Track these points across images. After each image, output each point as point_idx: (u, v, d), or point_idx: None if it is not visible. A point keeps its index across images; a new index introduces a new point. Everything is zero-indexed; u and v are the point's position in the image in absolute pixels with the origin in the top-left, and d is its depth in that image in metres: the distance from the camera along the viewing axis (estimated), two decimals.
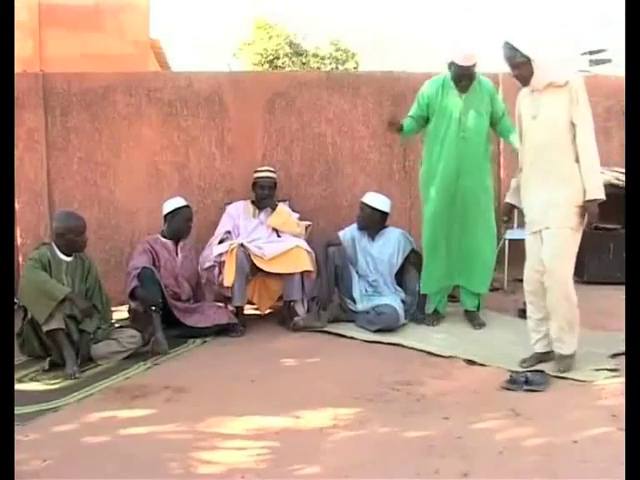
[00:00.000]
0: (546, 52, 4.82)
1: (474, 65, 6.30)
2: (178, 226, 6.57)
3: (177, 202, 6.66)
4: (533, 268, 5.07)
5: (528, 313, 5.26)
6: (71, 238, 5.68)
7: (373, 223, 6.72)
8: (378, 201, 6.72)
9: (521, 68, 4.87)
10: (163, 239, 6.57)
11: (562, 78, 4.82)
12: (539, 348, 5.16)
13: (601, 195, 4.86)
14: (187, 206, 6.65)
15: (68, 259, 5.72)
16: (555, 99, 4.86)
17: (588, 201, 4.84)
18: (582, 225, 4.94)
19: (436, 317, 6.59)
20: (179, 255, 6.60)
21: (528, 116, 5.03)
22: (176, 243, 6.60)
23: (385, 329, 6.22)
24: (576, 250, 4.99)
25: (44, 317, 5.34)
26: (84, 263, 5.83)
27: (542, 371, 4.95)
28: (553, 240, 4.90)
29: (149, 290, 6.13)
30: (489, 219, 6.49)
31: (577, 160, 4.86)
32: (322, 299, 6.54)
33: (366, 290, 6.69)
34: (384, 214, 6.72)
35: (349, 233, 6.81)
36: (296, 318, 6.51)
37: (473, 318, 6.54)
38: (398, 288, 6.70)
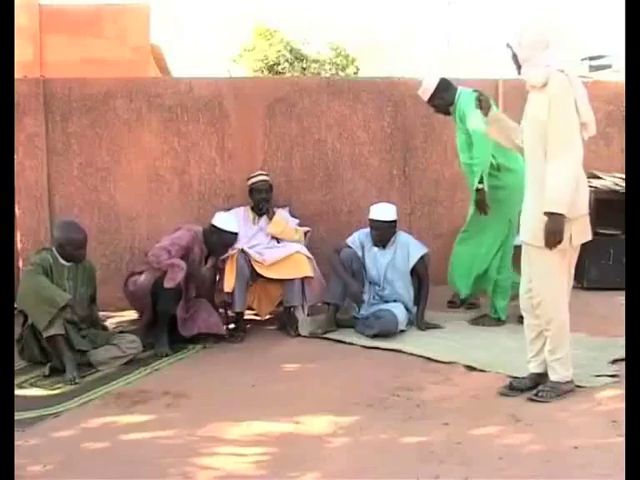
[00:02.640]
0: (529, 48, 4.58)
1: (432, 98, 6.56)
2: (214, 247, 6.40)
3: (229, 223, 6.45)
4: (523, 282, 4.87)
5: (524, 328, 5.02)
6: (69, 251, 5.69)
7: (389, 235, 6.62)
8: (386, 212, 6.60)
9: (513, 56, 4.72)
10: (204, 246, 6.44)
11: (537, 79, 4.57)
12: (532, 368, 4.93)
13: (557, 209, 4.41)
14: (234, 233, 6.46)
15: (69, 264, 5.73)
16: (537, 101, 4.62)
17: (545, 213, 4.47)
18: (563, 245, 4.54)
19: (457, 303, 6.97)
20: (207, 263, 6.48)
21: (524, 115, 4.82)
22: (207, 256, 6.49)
23: (382, 334, 6.21)
24: (563, 270, 4.68)
25: (44, 323, 5.34)
26: (85, 268, 5.86)
27: (546, 376, 4.90)
28: (529, 259, 4.74)
29: (169, 301, 6.08)
30: (497, 233, 6.59)
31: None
32: (356, 297, 6.54)
33: (374, 298, 6.66)
34: (395, 221, 6.67)
35: (357, 239, 6.70)
36: (307, 318, 6.61)
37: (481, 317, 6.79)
38: (410, 291, 6.65)
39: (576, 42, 21.76)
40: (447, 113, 6.65)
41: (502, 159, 6.27)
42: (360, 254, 6.66)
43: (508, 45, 4.71)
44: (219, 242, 6.40)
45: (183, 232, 6.30)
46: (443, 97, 6.52)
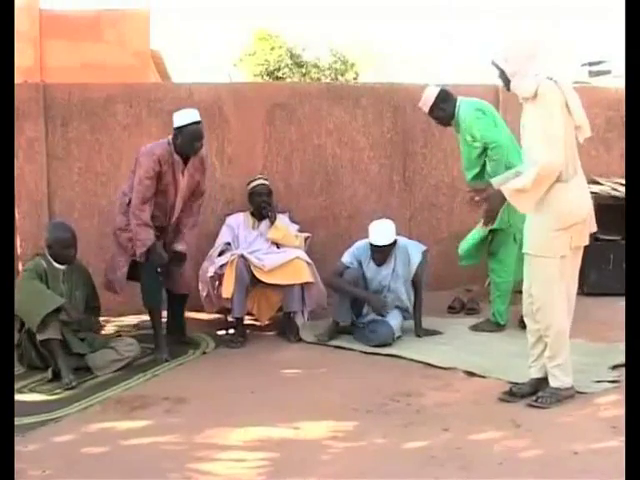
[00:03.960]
0: (516, 60, 4.62)
1: (433, 109, 6.60)
2: (184, 145, 6.07)
3: (186, 116, 6.08)
4: (524, 289, 4.89)
5: (527, 333, 5.03)
6: (57, 250, 5.72)
7: (389, 253, 6.47)
8: (387, 236, 6.38)
9: (500, 74, 4.76)
10: (175, 155, 6.12)
11: (528, 90, 4.60)
12: (533, 373, 4.94)
13: (502, 189, 4.69)
14: (197, 122, 6.08)
15: (63, 267, 5.75)
16: (530, 112, 4.67)
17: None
18: (563, 251, 4.63)
19: None
20: (185, 176, 6.21)
21: (521, 126, 4.83)
22: (185, 162, 6.20)
23: (381, 345, 6.20)
24: (564, 277, 4.69)
25: (36, 325, 5.35)
26: (80, 271, 5.89)
27: (546, 382, 4.89)
28: (530, 267, 4.76)
29: (154, 295, 6.15)
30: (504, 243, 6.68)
31: (556, 180, 4.58)
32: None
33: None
34: (395, 240, 6.49)
35: (354, 258, 6.52)
36: (308, 323, 6.65)
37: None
38: (411, 296, 6.59)
39: (574, 47, 21.79)
40: (448, 124, 6.67)
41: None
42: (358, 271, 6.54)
43: (494, 63, 4.75)
44: (187, 140, 6.06)
45: (147, 162, 6.01)
46: (443, 108, 6.53)
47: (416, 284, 6.59)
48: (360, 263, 6.53)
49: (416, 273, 6.54)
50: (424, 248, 6.64)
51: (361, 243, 6.56)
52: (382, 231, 6.41)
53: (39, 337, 5.39)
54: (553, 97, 4.56)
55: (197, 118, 6.08)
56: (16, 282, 5.70)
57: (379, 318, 6.40)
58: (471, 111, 6.43)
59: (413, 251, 6.56)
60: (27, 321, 5.48)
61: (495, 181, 4.94)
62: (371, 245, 6.41)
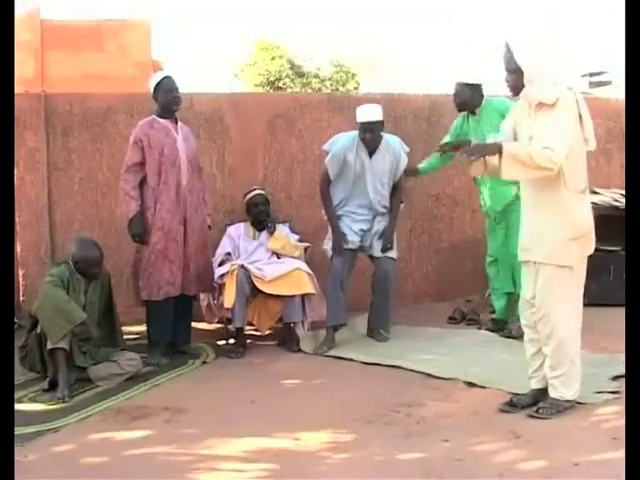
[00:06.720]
0: (538, 67, 4.56)
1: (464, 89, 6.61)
2: (164, 100, 6.25)
3: (157, 76, 6.39)
4: (525, 299, 4.90)
5: (524, 344, 5.03)
6: (84, 267, 5.72)
7: (378, 136, 6.48)
8: (376, 112, 6.39)
9: (512, 75, 4.66)
10: (159, 119, 6.28)
11: (550, 97, 4.56)
12: (534, 384, 4.93)
13: (505, 149, 4.54)
14: (168, 76, 6.31)
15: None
16: (547, 119, 4.57)
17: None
18: (576, 260, 4.69)
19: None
20: (179, 134, 6.33)
21: (525, 136, 4.73)
22: (175, 122, 6.35)
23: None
24: (572, 287, 4.81)
25: (58, 337, 5.34)
26: (102, 281, 5.88)
27: (546, 393, 4.88)
28: (541, 278, 4.74)
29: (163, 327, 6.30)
30: None
31: (568, 187, 4.59)
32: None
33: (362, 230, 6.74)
34: (382, 121, 6.50)
35: (342, 150, 6.52)
36: (309, 333, 6.67)
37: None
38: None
39: (577, 58, 21.81)
40: (468, 108, 6.70)
41: None
42: (342, 163, 6.57)
43: (509, 68, 4.65)
44: (166, 93, 6.25)
45: (132, 134, 6.35)
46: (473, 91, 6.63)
47: (397, 188, 6.71)
48: (345, 156, 6.52)
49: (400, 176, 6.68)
50: (406, 150, 6.70)
51: (347, 136, 6.54)
52: (370, 108, 6.42)
53: (50, 345, 5.38)
54: (571, 109, 4.57)
55: (166, 74, 6.40)
56: (40, 287, 5.70)
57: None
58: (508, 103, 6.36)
59: (401, 150, 6.64)
60: (46, 329, 5.43)
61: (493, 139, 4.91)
62: (361, 125, 6.37)
